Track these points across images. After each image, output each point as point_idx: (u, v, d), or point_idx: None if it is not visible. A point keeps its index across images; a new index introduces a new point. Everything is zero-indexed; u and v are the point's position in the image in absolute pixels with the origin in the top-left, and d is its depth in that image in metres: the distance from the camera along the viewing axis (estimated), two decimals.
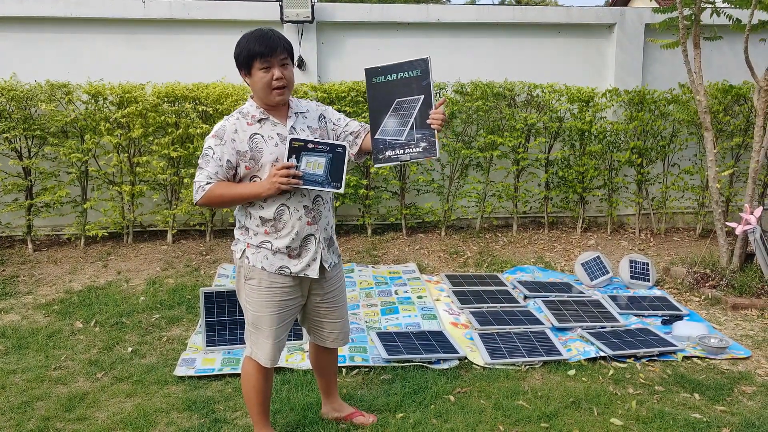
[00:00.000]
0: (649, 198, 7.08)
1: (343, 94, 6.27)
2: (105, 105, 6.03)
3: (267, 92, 2.65)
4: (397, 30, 6.98)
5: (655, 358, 4.05)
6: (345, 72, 6.86)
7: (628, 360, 3.99)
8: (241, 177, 2.67)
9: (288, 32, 6.66)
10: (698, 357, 4.08)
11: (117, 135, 5.94)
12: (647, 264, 5.54)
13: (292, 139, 2.60)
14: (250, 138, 2.65)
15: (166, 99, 6.04)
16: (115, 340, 4.30)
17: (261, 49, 2.60)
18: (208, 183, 2.61)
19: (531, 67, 7.07)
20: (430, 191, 6.81)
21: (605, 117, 6.88)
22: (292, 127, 2.72)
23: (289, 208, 2.69)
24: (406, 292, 5.18)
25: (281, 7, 6.47)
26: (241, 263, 2.75)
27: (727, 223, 5.50)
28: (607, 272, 5.50)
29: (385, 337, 4.19)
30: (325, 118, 2.86)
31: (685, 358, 4.06)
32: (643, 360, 4.01)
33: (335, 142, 2.66)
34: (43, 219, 6.31)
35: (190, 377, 3.73)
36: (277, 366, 3.77)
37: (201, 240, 6.41)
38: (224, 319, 4.19)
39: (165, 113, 6.00)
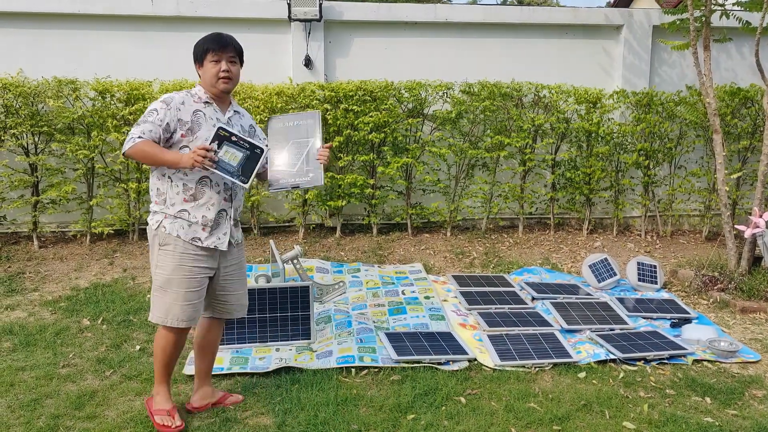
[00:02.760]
0: (656, 200, 7.07)
1: (351, 93, 6.25)
2: (112, 102, 6.02)
3: (214, 80, 3.07)
4: (405, 29, 6.96)
5: (665, 361, 4.04)
6: (352, 71, 6.85)
7: (638, 363, 3.98)
8: (173, 143, 3.02)
9: (296, 31, 6.65)
10: (708, 360, 4.07)
11: (124, 132, 5.93)
12: (655, 266, 5.53)
13: (220, 128, 2.97)
14: (193, 112, 3.05)
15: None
16: (123, 337, 4.29)
17: (214, 45, 3.09)
18: (140, 137, 2.93)
19: (538, 68, 7.06)
20: (436, 191, 6.80)
21: (612, 118, 6.87)
22: (229, 118, 3.16)
23: (211, 181, 3.08)
24: (413, 292, 5.17)
25: (289, 5, 6.46)
26: (156, 233, 3.06)
27: (735, 225, 5.49)
28: (615, 274, 5.49)
29: (394, 338, 4.17)
30: (255, 130, 3.33)
31: (695, 361, 4.05)
32: (653, 363, 4.00)
33: (256, 143, 3.03)
34: (49, 215, 6.29)
35: None
36: (287, 366, 3.80)
37: None
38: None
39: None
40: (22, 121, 5.81)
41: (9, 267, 5.60)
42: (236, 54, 3.15)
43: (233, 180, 2.97)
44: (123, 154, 3.03)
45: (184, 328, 3.10)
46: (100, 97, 5.99)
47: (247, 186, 3.04)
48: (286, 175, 3.20)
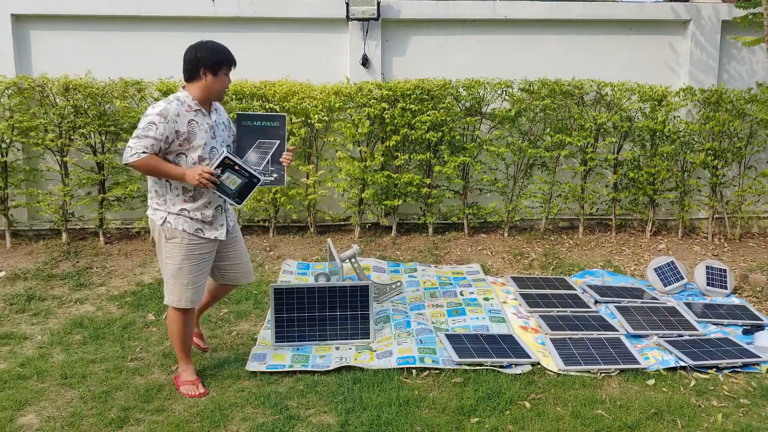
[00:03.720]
0: (724, 201, 6.80)
1: (408, 92, 6.22)
2: None
3: (221, 94, 3.40)
4: (462, 27, 6.89)
5: (738, 369, 3.87)
6: (409, 70, 6.81)
7: (709, 371, 3.83)
8: (169, 151, 3.28)
9: (353, 30, 6.66)
10: None
11: None
12: (725, 270, 5.32)
13: (226, 156, 3.28)
14: (188, 122, 3.29)
15: (234, 96, 6.13)
16: None
17: (230, 60, 3.36)
18: (144, 152, 3.18)
19: (600, 65, 6.88)
20: (494, 191, 6.71)
21: (679, 116, 6.64)
22: (215, 120, 3.42)
23: None
24: (472, 293, 5.10)
25: (347, 4, 6.47)
26: (162, 228, 3.36)
27: None
28: (682, 278, 5.30)
29: (455, 339, 4.13)
30: (230, 123, 3.62)
31: None
32: (726, 371, 3.84)
33: (255, 173, 3.36)
34: (114, 213, 6.48)
35: (262, 372, 3.76)
36: (347, 365, 3.81)
37: (265, 236, 6.48)
38: (293, 315, 4.21)
39: (233, 110, 6.08)
40: (90, 121, 6.00)
41: (77, 262, 5.80)
42: None
43: (229, 200, 3.37)
44: (126, 164, 3.24)
45: (192, 308, 3.54)
46: (163, 97, 6.12)
47: (240, 206, 3.50)
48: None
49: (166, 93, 6.09)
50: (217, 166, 3.28)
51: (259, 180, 3.38)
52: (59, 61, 6.47)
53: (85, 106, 6.02)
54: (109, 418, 3.24)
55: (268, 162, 3.55)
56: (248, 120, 3.57)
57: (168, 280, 3.45)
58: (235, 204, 3.39)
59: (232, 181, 3.34)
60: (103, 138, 6.20)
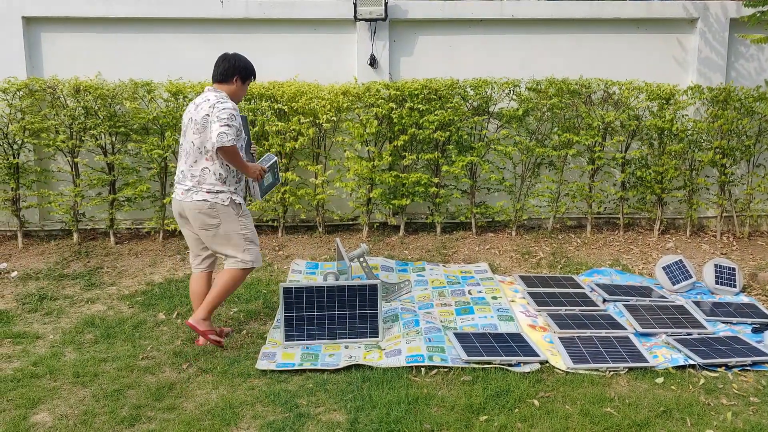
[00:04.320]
0: (732, 200, 6.78)
1: (416, 92, 6.24)
2: (185, 103, 6.19)
3: (241, 98, 4.09)
4: (470, 27, 6.90)
5: (748, 367, 3.87)
6: (416, 70, 6.83)
7: (718, 369, 3.83)
8: None
9: (361, 30, 6.68)
10: None
11: None
12: (734, 269, 5.30)
13: (275, 161, 4.18)
14: (240, 118, 3.92)
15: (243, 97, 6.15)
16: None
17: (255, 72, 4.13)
18: (235, 140, 3.74)
19: (608, 64, 6.87)
20: (501, 190, 6.71)
21: (687, 115, 6.63)
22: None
23: None
24: (480, 292, 5.12)
25: (355, 5, 6.49)
26: (231, 206, 3.94)
27: None
28: (690, 277, 5.29)
29: (463, 338, 4.15)
30: None
31: None
32: (735, 369, 3.84)
33: (280, 177, 4.28)
34: (125, 213, 6.53)
35: (272, 371, 3.79)
36: (356, 363, 3.84)
37: (274, 235, 6.51)
38: (302, 314, 4.24)
39: (242, 111, 6.12)
40: (101, 122, 6.05)
41: (88, 262, 5.85)
42: None
43: (257, 195, 4.12)
44: (223, 147, 3.72)
45: None
46: (173, 98, 6.17)
47: (260, 199, 4.49)
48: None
49: (175, 94, 6.13)
50: (268, 168, 4.01)
51: (279, 182, 4.11)
52: (70, 62, 6.52)
53: (96, 108, 6.07)
54: (120, 416, 3.27)
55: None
56: None
57: (248, 246, 4.04)
58: (260, 199, 4.04)
59: (267, 179, 4.06)
60: (114, 139, 6.25)
